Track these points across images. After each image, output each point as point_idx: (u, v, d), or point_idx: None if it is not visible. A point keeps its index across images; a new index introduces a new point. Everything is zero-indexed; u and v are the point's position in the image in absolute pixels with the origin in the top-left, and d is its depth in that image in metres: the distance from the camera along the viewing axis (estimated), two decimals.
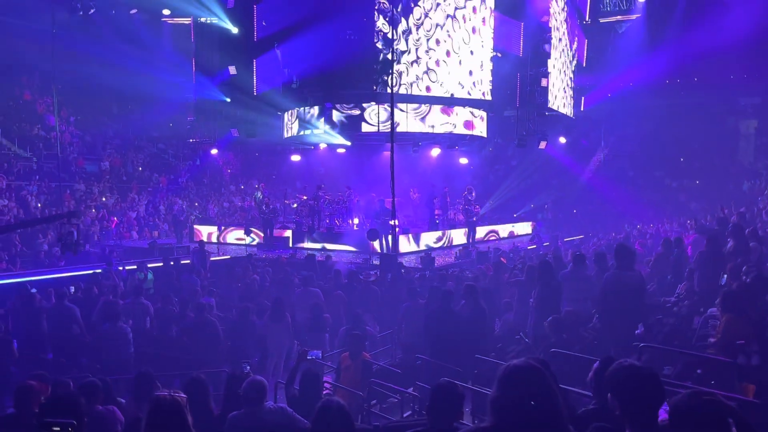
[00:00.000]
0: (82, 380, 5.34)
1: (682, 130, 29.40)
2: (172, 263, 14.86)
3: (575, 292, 7.95)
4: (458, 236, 21.17)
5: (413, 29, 19.27)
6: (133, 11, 26.35)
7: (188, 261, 15.47)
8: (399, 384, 7.16)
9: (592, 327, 7.38)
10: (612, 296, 6.74)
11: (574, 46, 25.21)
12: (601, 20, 27.51)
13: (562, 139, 25.23)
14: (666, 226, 21.17)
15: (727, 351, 5.60)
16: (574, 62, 25.31)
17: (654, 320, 7.34)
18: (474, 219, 20.83)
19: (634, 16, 26.95)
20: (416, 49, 19.40)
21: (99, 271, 13.02)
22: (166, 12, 24.86)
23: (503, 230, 23.80)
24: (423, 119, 20.21)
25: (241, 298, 11.72)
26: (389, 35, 18.11)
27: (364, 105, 19.67)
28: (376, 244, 17.41)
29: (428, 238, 20.12)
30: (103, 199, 22.95)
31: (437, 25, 19.81)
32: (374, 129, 19.33)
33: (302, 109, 20.80)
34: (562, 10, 23.42)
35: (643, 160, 29.29)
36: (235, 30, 20.94)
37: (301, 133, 21.31)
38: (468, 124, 21.15)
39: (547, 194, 27.62)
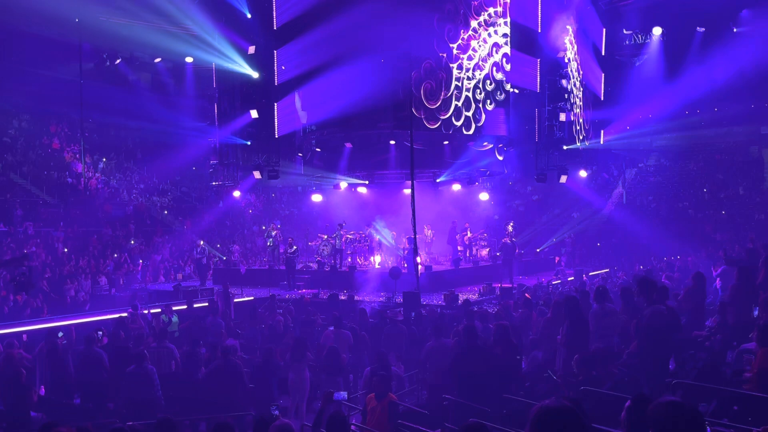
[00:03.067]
0: (110, 426, 5.36)
1: (704, 160, 29.21)
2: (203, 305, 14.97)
3: (602, 329, 7.82)
4: None
5: None
6: (157, 60, 27.13)
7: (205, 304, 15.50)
8: (426, 425, 7.04)
9: (622, 363, 7.23)
10: (652, 332, 6.60)
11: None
12: (617, 54, 27.63)
13: (583, 173, 25.14)
14: (693, 258, 20.83)
15: (764, 386, 5.45)
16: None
17: (687, 355, 7.18)
18: (519, 252, 20.77)
19: (650, 48, 27.03)
20: None
21: (125, 315, 13.14)
22: (189, 60, 25.54)
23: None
24: None
25: (266, 339, 11.70)
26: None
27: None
28: None
29: None
30: (132, 242, 23.27)
31: None
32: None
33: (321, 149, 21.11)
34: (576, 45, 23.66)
35: (665, 192, 29.05)
36: (255, 75, 21.44)
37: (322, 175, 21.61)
38: None
39: (570, 228, 27.41)
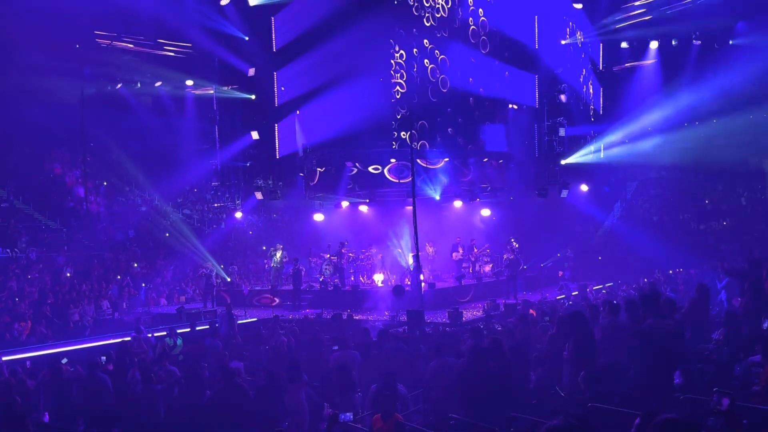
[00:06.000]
0: None
1: (704, 171, 29.18)
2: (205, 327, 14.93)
3: (612, 342, 7.73)
4: None
5: None
6: (158, 84, 27.36)
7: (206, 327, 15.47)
8: None
9: (630, 379, 7.17)
10: (651, 347, 6.57)
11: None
12: (615, 68, 27.80)
13: (584, 187, 25.17)
14: (696, 270, 20.74)
15: None
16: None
17: (694, 369, 7.12)
18: (523, 267, 20.69)
19: (647, 62, 27.20)
20: None
21: (128, 339, 13.09)
22: (189, 83, 25.75)
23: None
24: None
25: (270, 361, 11.63)
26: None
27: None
28: None
29: None
30: (135, 265, 23.25)
31: None
32: None
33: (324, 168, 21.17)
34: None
35: (667, 204, 29.02)
36: (252, 96, 21.67)
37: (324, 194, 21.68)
38: None
39: (573, 243, 27.35)
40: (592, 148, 25.22)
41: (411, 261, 20.45)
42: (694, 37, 25.40)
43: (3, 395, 8.83)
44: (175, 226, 26.07)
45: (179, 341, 13.56)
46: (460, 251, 22.09)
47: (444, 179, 20.87)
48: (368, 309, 18.36)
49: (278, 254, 21.85)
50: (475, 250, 22.26)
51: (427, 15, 19.79)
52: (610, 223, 28.52)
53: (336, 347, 10.65)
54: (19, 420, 7.70)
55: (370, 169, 20.52)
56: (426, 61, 19.87)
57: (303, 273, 20.53)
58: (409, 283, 19.09)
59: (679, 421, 2.58)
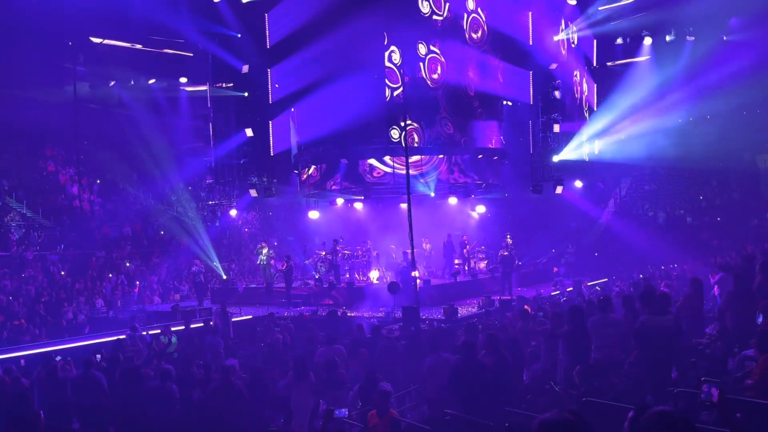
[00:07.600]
0: None
1: (698, 167, 29.31)
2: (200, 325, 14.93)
3: (604, 338, 7.76)
4: None
5: None
6: (152, 81, 27.25)
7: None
8: None
9: (624, 374, 7.20)
10: (649, 341, 6.60)
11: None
12: (609, 64, 27.85)
13: (578, 183, 25.21)
14: (690, 265, 20.82)
15: (766, 393, 5.43)
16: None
17: (688, 363, 7.16)
18: (518, 263, 20.70)
19: (641, 58, 27.26)
20: None
21: (123, 337, 13.07)
22: (183, 80, 25.65)
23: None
24: None
25: (266, 358, 11.62)
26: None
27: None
28: None
29: None
30: (127, 264, 23.17)
31: None
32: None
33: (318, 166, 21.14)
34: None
35: (661, 200, 29.12)
36: (246, 94, 21.61)
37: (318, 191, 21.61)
38: None
39: (568, 239, 27.41)
40: (585, 143, 25.25)
41: (401, 258, 20.51)
42: (687, 32, 25.44)
43: (13, 394, 8.83)
44: (171, 224, 26.01)
45: (174, 339, 13.55)
46: (459, 249, 22.15)
47: (438, 176, 20.85)
48: (363, 306, 18.34)
49: (264, 251, 21.72)
50: (467, 247, 22.28)
51: (421, 11, 19.76)
52: (605, 219, 28.60)
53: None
54: (36, 417, 7.67)
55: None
56: (420, 56, 19.84)
57: (294, 270, 20.46)
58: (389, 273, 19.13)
59: (672, 414, 2.59)
